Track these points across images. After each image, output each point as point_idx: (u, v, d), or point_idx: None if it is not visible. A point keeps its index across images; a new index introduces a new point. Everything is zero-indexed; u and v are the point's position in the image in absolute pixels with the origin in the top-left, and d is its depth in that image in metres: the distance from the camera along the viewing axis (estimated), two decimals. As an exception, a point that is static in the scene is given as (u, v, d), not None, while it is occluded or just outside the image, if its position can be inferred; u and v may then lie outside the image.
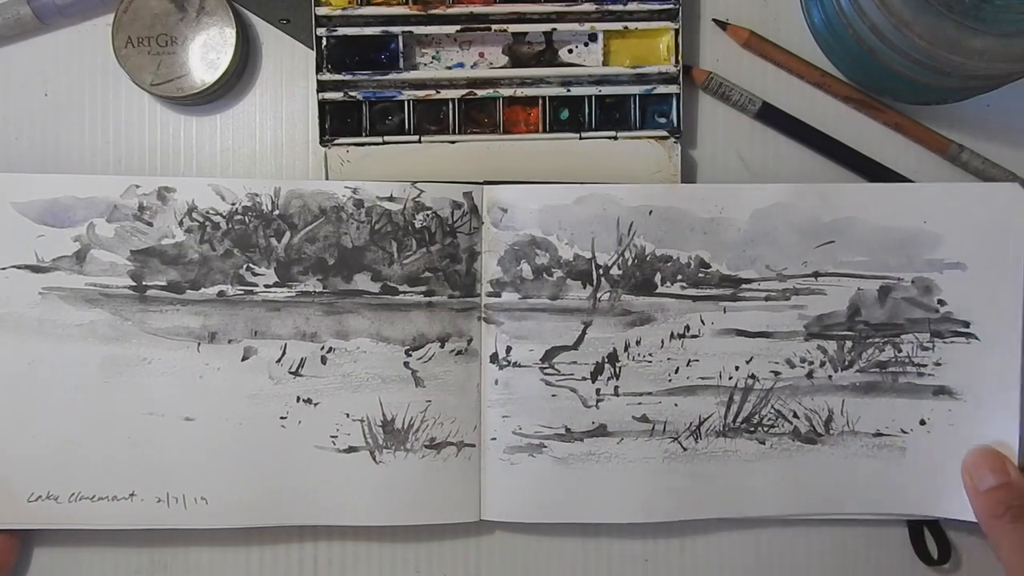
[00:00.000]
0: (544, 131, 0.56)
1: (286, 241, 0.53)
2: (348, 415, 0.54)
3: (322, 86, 0.55)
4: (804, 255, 0.54)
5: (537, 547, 0.56)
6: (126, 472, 0.53)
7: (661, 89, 0.55)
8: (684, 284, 0.54)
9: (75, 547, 0.55)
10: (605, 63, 0.56)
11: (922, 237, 0.54)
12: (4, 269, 0.52)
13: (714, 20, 0.57)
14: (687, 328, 0.54)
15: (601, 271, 0.54)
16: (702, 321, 0.54)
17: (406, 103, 0.55)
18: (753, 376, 0.54)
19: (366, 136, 0.55)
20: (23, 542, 0.55)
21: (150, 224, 0.53)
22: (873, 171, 0.56)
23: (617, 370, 0.54)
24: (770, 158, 0.57)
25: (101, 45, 0.55)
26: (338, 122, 0.56)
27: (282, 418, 0.54)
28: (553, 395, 0.54)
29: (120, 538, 0.55)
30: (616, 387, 0.54)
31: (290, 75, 0.57)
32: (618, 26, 0.55)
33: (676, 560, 0.57)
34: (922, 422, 0.55)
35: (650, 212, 0.53)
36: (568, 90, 0.55)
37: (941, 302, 0.54)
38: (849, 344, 0.54)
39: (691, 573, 0.57)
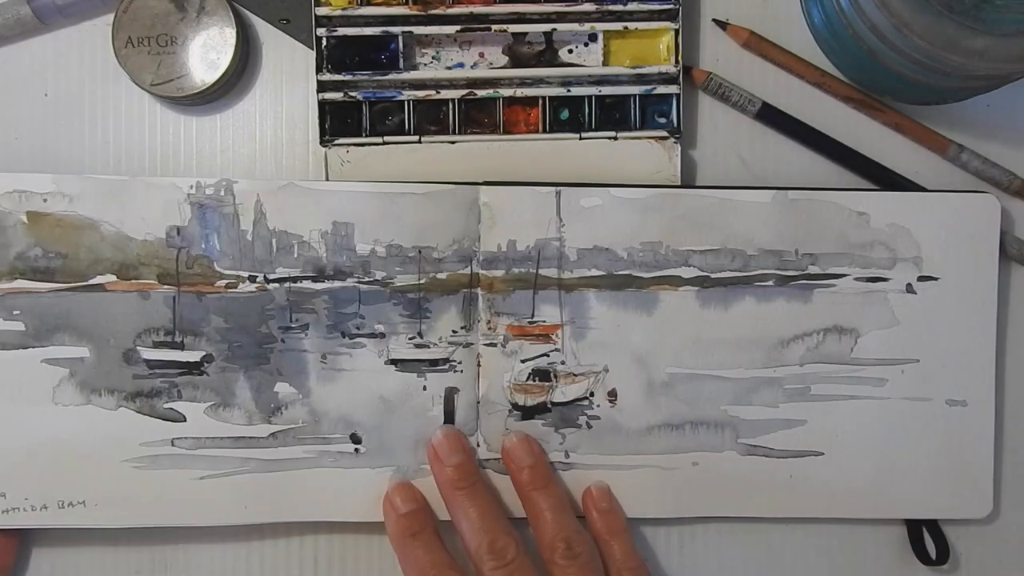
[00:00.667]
0: (544, 131, 0.56)
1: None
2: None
3: (322, 86, 0.55)
4: None
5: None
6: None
7: (661, 89, 0.55)
8: None
9: (75, 547, 0.55)
10: (605, 63, 0.56)
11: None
12: None
13: (714, 20, 0.57)
14: None
15: None
16: None
17: (406, 103, 0.55)
18: None
19: (366, 136, 0.55)
20: (22, 542, 0.55)
21: None
22: (873, 172, 0.56)
23: None
24: (770, 158, 0.57)
25: (101, 45, 0.55)
26: (338, 122, 0.56)
27: None
28: None
29: (120, 537, 0.55)
30: None
31: (290, 75, 0.57)
32: (618, 26, 0.55)
33: (676, 559, 0.57)
34: None
35: None
36: (568, 90, 0.55)
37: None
38: None
39: (691, 573, 0.57)
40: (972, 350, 0.55)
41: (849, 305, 0.55)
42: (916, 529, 0.56)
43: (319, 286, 0.53)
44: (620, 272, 0.54)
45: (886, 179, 0.56)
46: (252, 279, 0.53)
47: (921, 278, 0.55)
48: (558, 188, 0.54)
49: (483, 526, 0.51)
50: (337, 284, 0.53)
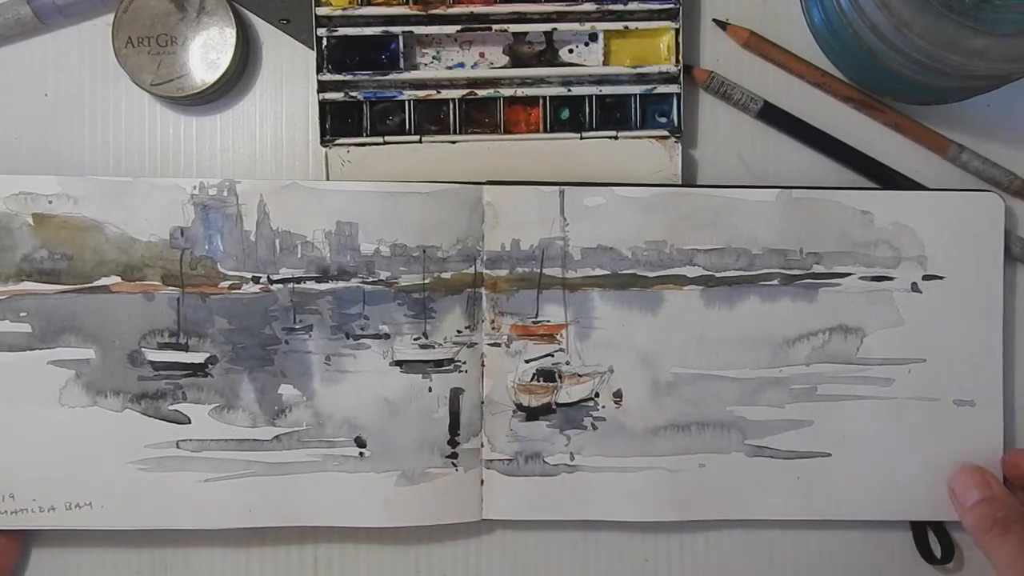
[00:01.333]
0: (545, 131, 0.56)
1: None
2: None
3: (322, 86, 0.55)
4: None
5: (537, 547, 0.56)
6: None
7: (662, 89, 0.55)
8: None
9: (75, 547, 0.55)
10: (605, 63, 0.56)
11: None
12: None
13: (714, 20, 0.57)
14: None
15: None
16: None
17: (407, 103, 0.55)
18: None
19: (367, 136, 0.55)
20: (22, 542, 0.55)
21: None
22: (875, 171, 0.56)
23: None
24: (771, 158, 0.57)
25: (101, 45, 0.55)
26: (339, 122, 0.55)
27: None
28: None
29: (120, 538, 0.55)
30: None
31: (290, 75, 0.57)
32: (618, 26, 0.55)
33: (676, 559, 0.57)
34: None
35: None
36: (569, 90, 0.55)
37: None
38: None
39: (691, 572, 0.57)
40: (978, 349, 0.55)
41: (854, 304, 0.55)
42: (921, 529, 0.56)
43: (323, 286, 0.53)
44: (624, 271, 0.54)
45: (887, 178, 0.56)
46: (256, 280, 0.53)
47: (926, 277, 0.55)
48: (562, 187, 0.54)
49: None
50: (341, 284, 0.53)
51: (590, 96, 0.55)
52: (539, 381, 0.54)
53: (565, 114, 0.56)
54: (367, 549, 0.56)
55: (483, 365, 0.54)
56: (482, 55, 0.56)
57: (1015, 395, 0.57)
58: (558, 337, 0.54)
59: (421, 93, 0.55)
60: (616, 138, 0.55)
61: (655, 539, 0.57)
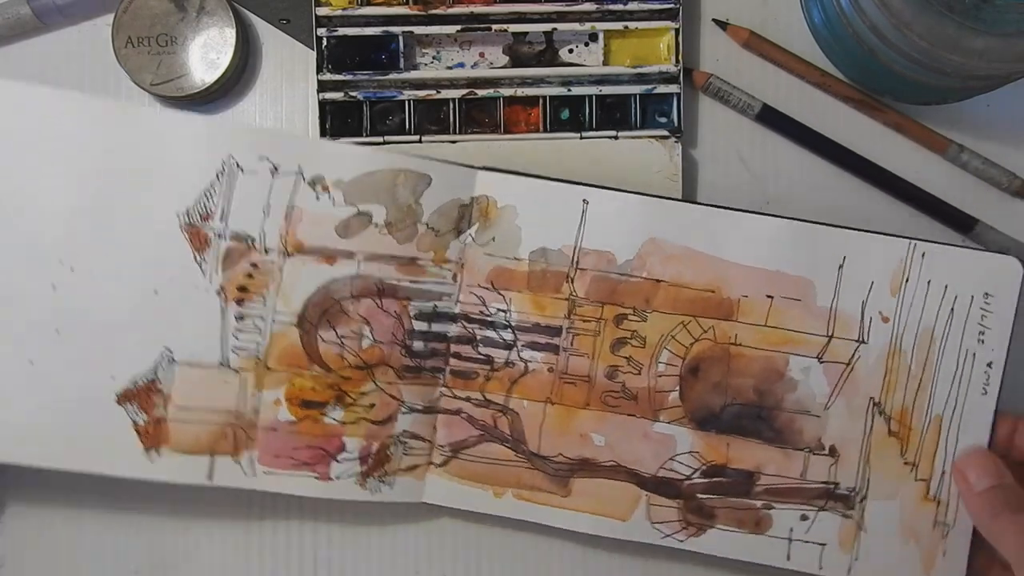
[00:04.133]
0: (545, 131, 0.56)
1: None
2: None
3: (322, 86, 0.55)
4: None
5: (537, 547, 0.56)
6: None
7: (662, 89, 0.55)
8: None
9: (75, 548, 0.55)
10: (605, 63, 0.56)
11: None
12: None
13: (714, 20, 0.57)
14: None
15: None
16: None
17: (407, 103, 0.55)
18: None
19: (367, 136, 0.55)
20: (21, 534, 0.55)
21: None
22: (874, 174, 0.56)
23: None
24: (770, 158, 0.57)
25: (101, 45, 0.55)
26: (339, 122, 0.55)
27: None
28: None
29: (120, 537, 0.55)
30: None
31: (290, 75, 0.57)
32: (618, 26, 0.55)
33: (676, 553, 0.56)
34: None
35: None
36: (569, 90, 0.55)
37: None
38: None
39: (691, 564, 0.56)
40: None
41: None
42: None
43: None
44: None
45: (886, 181, 0.56)
46: None
47: None
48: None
49: None
50: None
51: (590, 96, 0.55)
52: None
53: (565, 114, 0.56)
54: (367, 550, 0.56)
55: None
56: (482, 55, 0.57)
57: None
58: None
59: (421, 93, 0.55)
60: (616, 138, 0.55)
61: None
